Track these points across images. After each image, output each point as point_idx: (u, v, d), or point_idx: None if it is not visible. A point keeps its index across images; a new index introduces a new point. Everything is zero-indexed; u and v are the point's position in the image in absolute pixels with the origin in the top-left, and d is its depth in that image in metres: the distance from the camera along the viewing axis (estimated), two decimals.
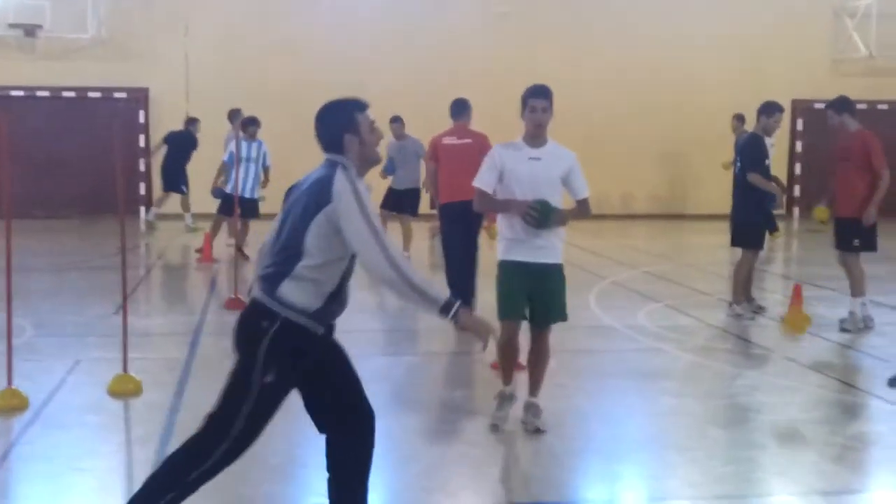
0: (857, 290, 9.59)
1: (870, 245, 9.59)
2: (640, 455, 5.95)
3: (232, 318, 9.48)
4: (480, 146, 8.92)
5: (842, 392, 7.50)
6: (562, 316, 6.30)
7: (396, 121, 14.48)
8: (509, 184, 6.19)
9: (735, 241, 10.22)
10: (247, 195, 13.69)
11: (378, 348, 9.00)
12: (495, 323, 5.90)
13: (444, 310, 3.96)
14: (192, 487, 4.09)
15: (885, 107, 21.34)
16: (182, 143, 17.65)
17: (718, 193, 19.97)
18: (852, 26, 21.51)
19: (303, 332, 4.05)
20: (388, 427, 6.42)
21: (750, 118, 13.29)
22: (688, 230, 19.71)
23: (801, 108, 21.44)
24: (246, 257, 13.03)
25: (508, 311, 6.26)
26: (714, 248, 17.16)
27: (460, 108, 9.99)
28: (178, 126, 18.10)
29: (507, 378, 6.44)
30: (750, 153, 9.93)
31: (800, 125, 21.74)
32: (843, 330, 9.44)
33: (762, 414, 7.01)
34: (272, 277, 4.06)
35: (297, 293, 4.01)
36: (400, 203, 14.38)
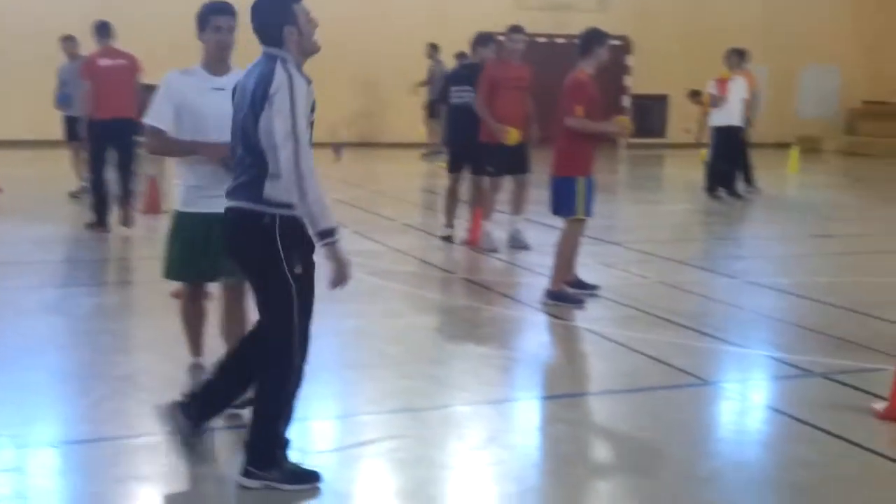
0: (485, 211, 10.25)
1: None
2: (322, 374, 6.05)
3: None
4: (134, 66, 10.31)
5: (510, 308, 7.96)
6: None
7: (70, 39, 13.21)
8: (190, 120, 5.17)
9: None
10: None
11: (50, 280, 8.64)
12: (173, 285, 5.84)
13: (326, 234, 4.08)
14: (289, 410, 4.33)
15: (563, 40, 22.44)
16: None
17: (411, 122, 20.53)
18: None
19: (299, 223, 4.15)
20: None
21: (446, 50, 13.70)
22: (383, 158, 20.07)
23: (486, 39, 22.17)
24: None
25: (188, 270, 5.37)
26: (405, 175, 17.65)
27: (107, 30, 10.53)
28: None
29: (196, 348, 5.73)
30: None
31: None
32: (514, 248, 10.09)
33: (439, 332, 7.34)
34: (251, 184, 4.17)
35: (279, 191, 4.11)
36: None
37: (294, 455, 4.46)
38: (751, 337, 7.23)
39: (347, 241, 9.70)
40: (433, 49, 19.52)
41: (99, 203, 10.62)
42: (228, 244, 4.41)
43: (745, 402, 5.98)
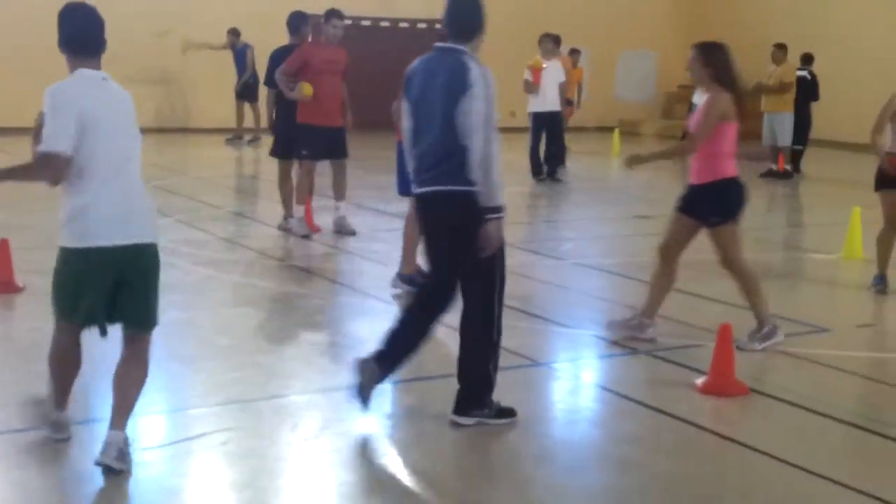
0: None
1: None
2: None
3: None
4: None
5: (341, 294, 7.92)
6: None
7: None
8: None
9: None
10: None
11: None
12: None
13: (498, 210, 4.73)
14: (497, 344, 5.02)
15: (387, 23, 22.45)
16: None
17: (221, 106, 20.01)
18: None
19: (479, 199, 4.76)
20: None
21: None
22: (193, 143, 19.55)
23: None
24: None
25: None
26: (219, 161, 17.26)
27: None
28: None
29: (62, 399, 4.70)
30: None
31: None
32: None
33: (269, 321, 7.22)
34: (452, 169, 4.70)
35: (472, 171, 4.68)
36: None
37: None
38: (577, 317, 7.40)
39: (171, 231, 9.58)
40: (233, 33, 19.20)
41: None
42: (436, 226, 4.93)
43: (574, 382, 6.11)
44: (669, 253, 6.61)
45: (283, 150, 10.30)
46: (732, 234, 6.44)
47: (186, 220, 10.62)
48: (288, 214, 10.24)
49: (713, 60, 6.38)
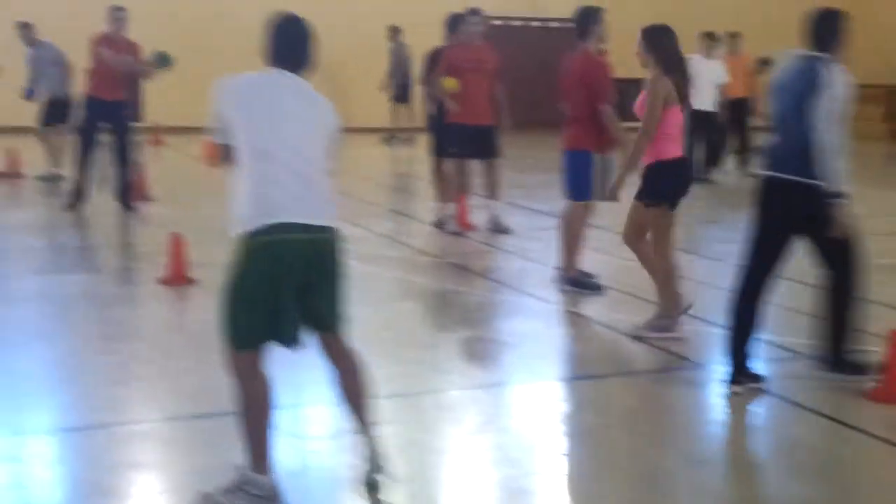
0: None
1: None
2: (314, 360, 6.00)
3: None
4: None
5: (497, 291, 7.96)
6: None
7: (27, 27, 13.19)
8: None
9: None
10: None
11: (35, 267, 8.56)
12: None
13: (841, 195, 5.17)
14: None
15: (538, 23, 22.44)
16: None
17: (375, 106, 20.34)
18: None
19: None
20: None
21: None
22: (351, 143, 19.88)
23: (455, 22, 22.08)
24: None
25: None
26: (377, 160, 17.58)
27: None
28: None
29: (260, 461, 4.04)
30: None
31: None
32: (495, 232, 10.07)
33: (429, 316, 7.33)
34: (807, 162, 5.19)
35: (814, 163, 5.20)
36: None
37: (288, 441, 4.43)
38: None
39: None
40: (394, 32, 19.33)
41: (81, 180, 10.60)
42: (780, 212, 5.38)
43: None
44: (631, 239, 6.58)
45: (439, 149, 10.47)
46: (661, 218, 6.43)
47: (347, 216, 10.82)
48: (444, 211, 10.39)
49: (656, 44, 6.45)
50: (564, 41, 22.83)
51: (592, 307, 7.33)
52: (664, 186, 6.43)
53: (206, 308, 7.06)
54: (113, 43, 10.55)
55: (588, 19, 7.63)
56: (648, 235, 6.59)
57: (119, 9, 10.66)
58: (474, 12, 10.09)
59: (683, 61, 6.54)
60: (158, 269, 7.81)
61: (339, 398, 4.22)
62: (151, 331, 6.77)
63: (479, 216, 10.34)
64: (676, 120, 6.43)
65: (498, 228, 10.16)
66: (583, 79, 7.51)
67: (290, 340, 3.98)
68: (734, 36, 15.48)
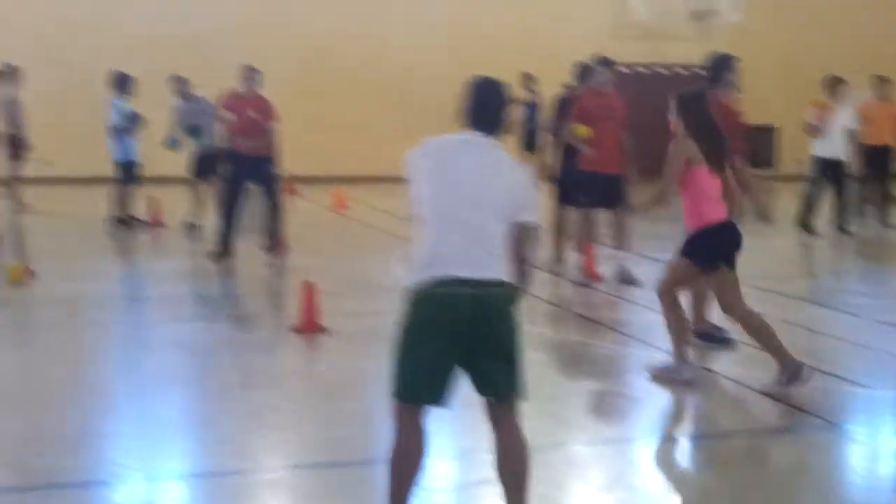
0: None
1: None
2: (441, 412, 6.05)
3: (18, 286, 9.02)
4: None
5: (629, 345, 7.88)
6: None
7: (182, 80, 13.58)
8: None
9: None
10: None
11: (178, 313, 8.86)
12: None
13: None
14: None
15: (664, 70, 22.32)
16: None
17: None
18: None
19: None
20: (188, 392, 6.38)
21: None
22: None
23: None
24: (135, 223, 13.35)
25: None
26: None
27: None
28: None
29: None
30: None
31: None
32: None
33: (554, 368, 7.31)
34: None
35: None
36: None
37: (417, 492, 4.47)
38: (880, 377, 7.02)
39: None
40: (528, 79, 19.39)
41: (227, 232, 10.92)
42: None
43: (875, 446, 5.80)
44: (663, 290, 6.65)
45: (564, 197, 10.50)
46: (724, 279, 6.46)
47: None
48: (560, 260, 10.40)
49: (686, 110, 6.45)
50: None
51: (722, 362, 7.20)
52: (713, 249, 6.47)
53: (337, 357, 7.26)
54: (241, 101, 10.88)
55: (721, 67, 7.65)
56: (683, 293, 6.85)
57: (252, 69, 11.01)
58: (605, 62, 10.15)
59: (714, 128, 6.53)
60: (292, 317, 7.99)
61: (496, 474, 4.16)
62: (284, 378, 6.92)
63: (606, 266, 10.29)
64: (710, 182, 6.44)
65: (626, 280, 10.08)
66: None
67: (435, 398, 3.99)
68: (884, 80, 14.62)
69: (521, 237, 4.10)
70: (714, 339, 7.53)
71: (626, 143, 10.07)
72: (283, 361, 7.37)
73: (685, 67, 22.78)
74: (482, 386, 4.03)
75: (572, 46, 20.53)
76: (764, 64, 23.16)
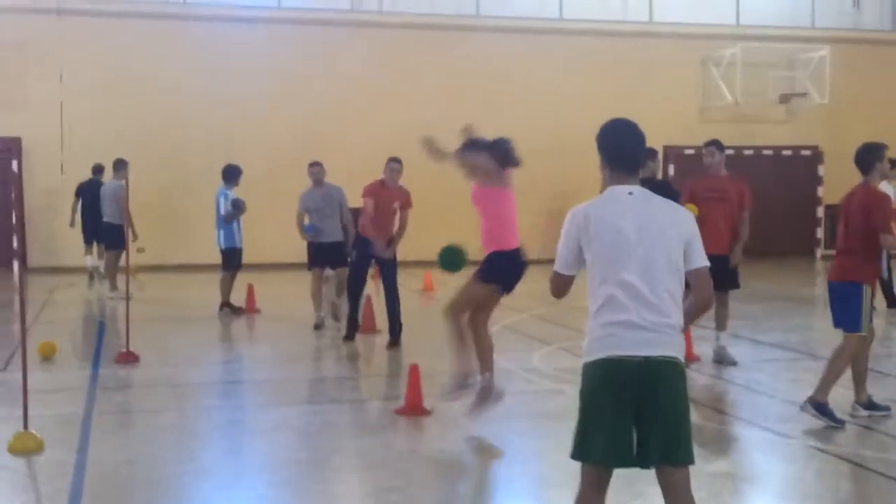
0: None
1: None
2: (565, 492, 6.06)
3: (124, 371, 9.32)
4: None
5: (735, 425, 7.80)
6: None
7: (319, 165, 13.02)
8: None
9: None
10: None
11: (283, 397, 9.00)
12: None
13: None
14: None
15: (750, 152, 22.33)
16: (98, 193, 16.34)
17: None
18: (718, 75, 22.49)
19: None
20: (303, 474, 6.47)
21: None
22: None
23: (673, 153, 22.21)
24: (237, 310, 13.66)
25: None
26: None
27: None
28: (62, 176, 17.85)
29: None
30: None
31: (671, 170, 22.53)
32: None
33: None
34: None
35: None
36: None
37: None
38: None
39: (553, 360, 9.89)
40: (652, 154, 19.39)
41: (355, 314, 11.29)
42: None
43: None
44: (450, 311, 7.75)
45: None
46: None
47: (567, 347, 10.94)
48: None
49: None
50: (779, 167, 22.42)
51: (834, 442, 7.09)
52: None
53: (443, 438, 7.30)
54: (381, 190, 11.12)
55: (872, 156, 7.84)
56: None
57: (394, 160, 11.24)
58: (713, 144, 10.28)
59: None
60: (396, 399, 8.07)
61: None
62: (394, 460, 6.97)
63: (701, 347, 10.23)
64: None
65: (724, 360, 10.01)
66: (864, 211, 7.66)
67: (619, 459, 4.14)
68: None
69: None
70: (829, 415, 7.47)
71: (741, 227, 10.11)
72: (392, 442, 7.43)
73: (772, 148, 22.82)
74: (649, 451, 4.14)
75: (663, 130, 20.74)
76: (849, 146, 23.02)
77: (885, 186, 13.17)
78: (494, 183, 7.74)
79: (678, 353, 4.14)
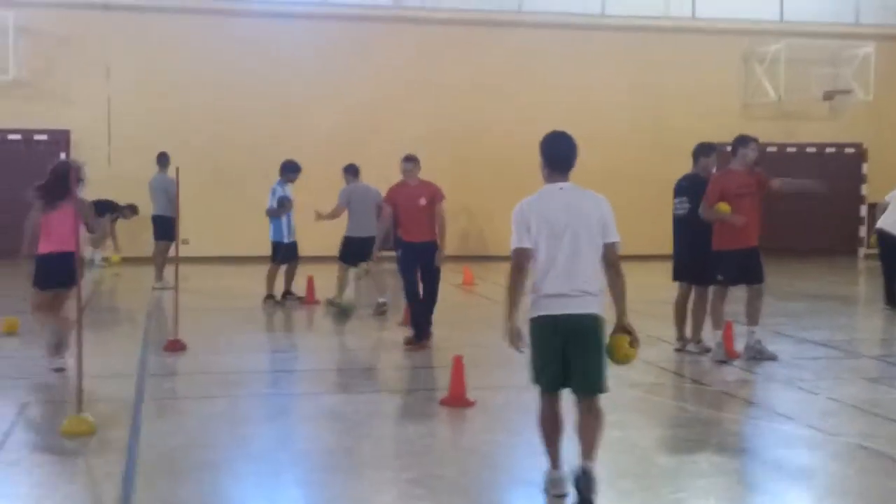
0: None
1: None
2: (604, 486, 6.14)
3: (172, 359, 9.48)
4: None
5: (778, 422, 7.82)
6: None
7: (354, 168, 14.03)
8: None
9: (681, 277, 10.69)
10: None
11: (329, 386, 9.13)
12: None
13: None
14: None
15: (793, 149, 22.21)
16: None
17: (655, 232, 20.47)
18: (761, 71, 22.38)
19: None
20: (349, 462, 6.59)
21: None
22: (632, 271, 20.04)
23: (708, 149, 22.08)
24: (299, 299, 14.16)
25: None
26: (650, 287, 17.59)
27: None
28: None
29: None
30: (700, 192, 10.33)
31: (714, 168, 22.41)
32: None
33: (703, 444, 7.28)
34: None
35: None
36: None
37: None
38: None
39: None
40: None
41: (419, 316, 10.94)
42: None
43: None
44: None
45: (678, 275, 10.68)
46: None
47: None
48: (694, 339, 10.49)
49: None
50: (820, 166, 22.28)
51: (877, 439, 7.10)
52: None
53: (485, 429, 7.39)
54: (403, 189, 11.05)
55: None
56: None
57: (406, 159, 11.14)
58: (750, 140, 10.25)
59: None
60: (440, 390, 8.16)
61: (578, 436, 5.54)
62: (440, 449, 7.07)
63: (736, 343, 10.25)
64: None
65: (761, 355, 10.01)
66: None
67: (551, 386, 5.65)
68: None
69: None
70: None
71: (782, 188, 10.29)
72: (436, 432, 7.53)
73: (815, 146, 22.67)
74: (576, 386, 5.65)
75: (704, 127, 20.62)
76: (894, 143, 22.87)
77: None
78: None
79: (597, 310, 5.53)
